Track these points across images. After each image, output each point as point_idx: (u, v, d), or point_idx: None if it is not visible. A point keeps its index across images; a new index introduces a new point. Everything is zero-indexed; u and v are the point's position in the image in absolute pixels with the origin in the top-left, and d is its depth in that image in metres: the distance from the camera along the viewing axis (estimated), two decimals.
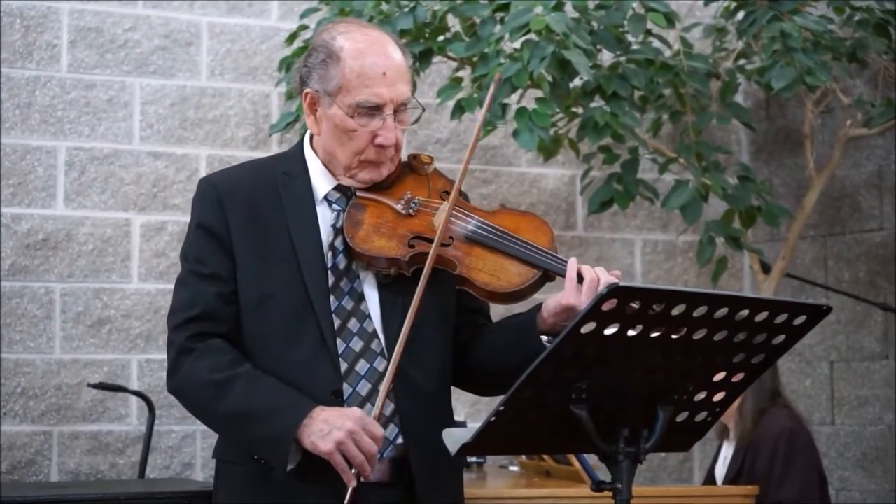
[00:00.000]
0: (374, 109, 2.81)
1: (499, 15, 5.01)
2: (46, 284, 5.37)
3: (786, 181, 6.32)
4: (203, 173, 5.57)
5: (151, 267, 5.50)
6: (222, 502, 2.91)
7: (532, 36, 4.81)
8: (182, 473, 5.50)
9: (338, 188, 2.91)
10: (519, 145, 4.87)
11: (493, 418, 2.34)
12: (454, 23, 5.27)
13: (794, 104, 6.15)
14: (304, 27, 5.36)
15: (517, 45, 4.93)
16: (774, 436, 4.64)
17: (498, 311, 3.02)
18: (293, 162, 2.95)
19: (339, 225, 2.86)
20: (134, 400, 5.38)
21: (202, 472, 5.51)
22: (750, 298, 2.37)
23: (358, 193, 2.90)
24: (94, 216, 5.45)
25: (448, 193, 2.92)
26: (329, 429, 2.64)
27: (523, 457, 4.86)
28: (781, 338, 2.43)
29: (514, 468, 5.07)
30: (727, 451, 4.88)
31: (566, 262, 2.79)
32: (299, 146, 2.98)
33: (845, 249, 6.05)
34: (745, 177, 5.41)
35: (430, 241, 2.82)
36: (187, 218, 5.78)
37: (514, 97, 5.10)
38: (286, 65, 5.32)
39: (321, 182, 2.91)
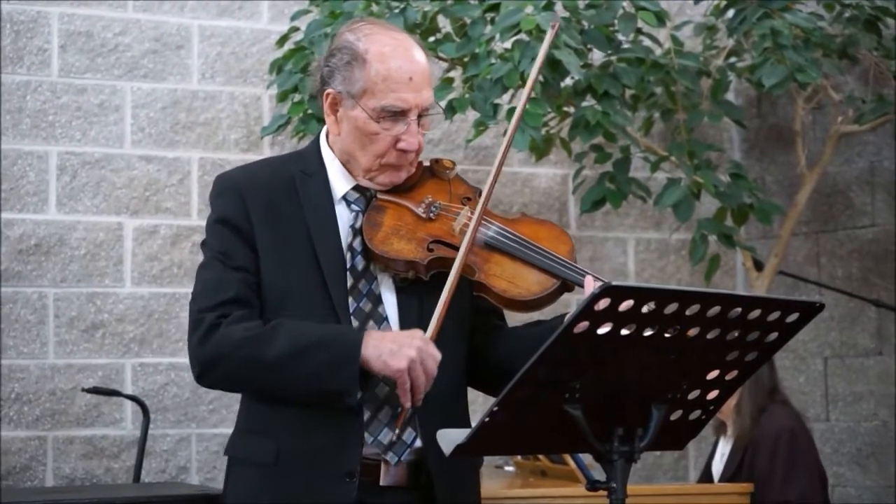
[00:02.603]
0: (399, 114, 2.79)
1: (489, 15, 5.01)
2: (39, 289, 5.36)
3: (778, 178, 6.33)
4: (195, 176, 5.57)
5: (144, 271, 5.50)
6: (232, 500, 2.89)
7: (522, 36, 4.81)
8: (177, 477, 5.49)
9: (356, 188, 2.89)
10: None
11: (486, 419, 2.34)
12: (445, 23, 5.28)
13: (786, 101, 6.15)
14: (294, 29, 5.36)
15: (508, 45, 4.93)
16: (774, 435, 4.64)
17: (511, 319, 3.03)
18: (310, 160, 2.92)
19: (357, 226, 2.84)
20: (128, 404, 5.38)
21: (197, 476, 5.51)
22: (742, 296, 2.38)
23: (378, 195, 2.88)
24: (86, 220, 5.45)
25: (469, 200, 2.91)
26: (398, 347, 2.64)
27: (518, 457, 4.86)
28: (774, 335, 2.43)
29: (509, 468, 5.07)
30: (724, 448, 4.89)
31: (585, 272, 2.78)
32: (315, 144, 2.95)
33: (838, 246, 6.06)
34: (737, 174, 5.41)
35: (450, 245, 2.81)
36: (180, 221, 5.77)
37: (506, 97, 5.10)
38: (277, 67, 5.32)
39: (339, 181, 2.88)
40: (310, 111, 5.15)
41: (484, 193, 2.85)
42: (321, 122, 5.17)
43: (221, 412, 5.52)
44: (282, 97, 5.28)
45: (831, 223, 6.09)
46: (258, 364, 2.72)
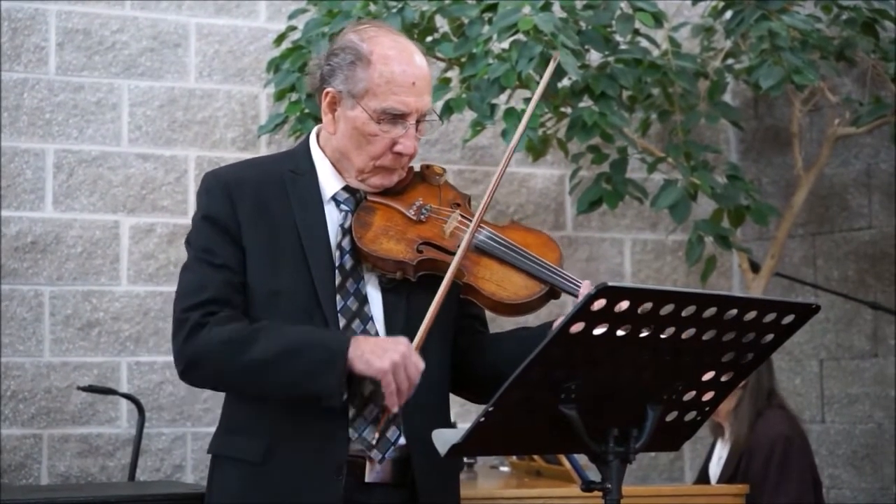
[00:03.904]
0: (399, 117, 2.83)
1: (487, 15, 5.01)
2: (35, 287, 5.36)
3: (774, 180, 6.33)
4: (192, 175, 5.57)
5: (140, 269, 5.50)
6: (216, 499, 2.89)
7: (520, 36, 4.81)
8: (172, 475, 5.49)
9: (346, 189, 2.91)
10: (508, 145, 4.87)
11: (482, 419, 2.34)
12: (442, 23, 5.27)
13: (783, 103, 6.16)
14: (292, 28, 5.36)
15: (505, 45, 4.93)
16: (770, 441, 4.64)
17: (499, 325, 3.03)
18: (300, 160, 2.94)
19: (346, 225, 2.86)
20: (124, 402, 5.38)
21: (192, 474, 5.51)
22: (738, 298, 2.38)
23: (368, 197, 2.91)
24: (82, 218, 5.44)
25: (458, 205, 2.95)
26: (383, 350, 2.66)
27: (514, 457, 4.86)
28: (770, 337, 2.44)
29: (504, 468, 5.07)
30: (722, 451, 4.88)
31: (574, 280, 2.80)
32: (305, 144, 2.97)
33: (834, 248, 6.06)
34: (734, 176, 5.41)
35: (440, 248, 2.84)
36: (176, 220, 5.77)
37: (503, 97, 5.10)
38: (274, 66, 5.32)
39: (329, 181, 2.91)
40: (307, 110, 5.14)
41: (485, 198, 2.87)
42: (318, 121, 5.18)
43: (217, 411, 5.46)
44: (279, 96, 5.28)
45: (828, 225, 6.09)
46: (242, 366, 2.74)
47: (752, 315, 2.37)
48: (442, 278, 2.78)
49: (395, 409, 2.68)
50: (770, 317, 2.39)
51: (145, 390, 5.42)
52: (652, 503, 4.14)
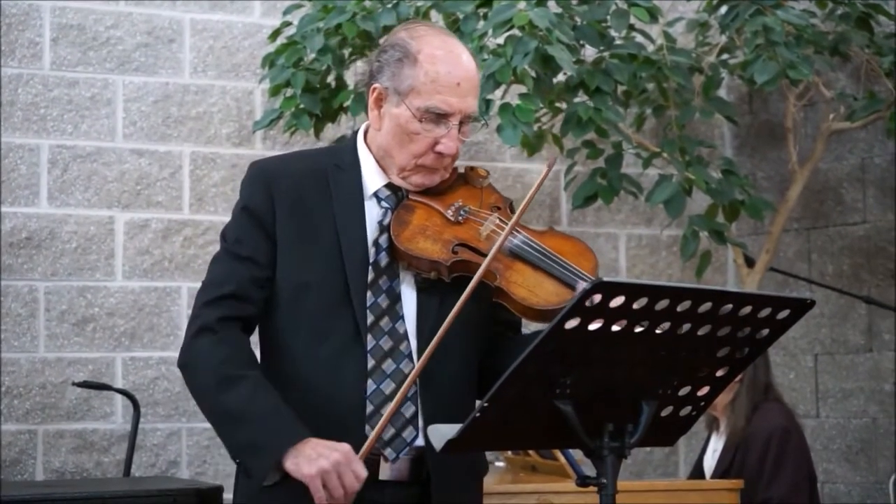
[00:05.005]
0: (442, 117, 2.82)
1: (482, 11, 5.01)
2: (30, 283, 5.35)
3: (769, 175, 6.34)
4: (187, 171, 5.57)
5: (135, 265, 5.49)
6: (243, 488, 2.89)
7: (515, 31, 4.81)
8: (167, 471, 5.49)
9: (389, 186, 2.91)
10: (503, 141, 4.88)
11: (477, 415, 2.34)
12: (437, 18, 5.27)
13: (777, 98, 6.16)
14: (286, 23, 5.36)
15: (500, 40, 4.93)
16: (767, 433, 4.65)
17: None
18: (345, 155, 2.94)
19: (385, 222, 2.86)
20: (119, 398, 5.37)
21: (188, 470, 5.51)
22: (733, 293, 2.37)
23: (410, 195, 2.90)
24: (77, 214, 5.44)
25: (499, 209, 2.93)
26: (317, 455, 2.63)
27: (509, 452, 4.87)
28: (765, 332, 2.44)
29: (500, 464, 5.08)
30: (717, 444, 4.90)
31: None
32: (353, 140, 2.97)
33: (829, 243, 6.07)
34: (729, 171, 5.42)
35: (475, 250, 2.82)
36: (171, 215, 5.78)
37: (498, 93, 5.10)
38: (269, 61, 5.32)
39: (372, 178, 2.90)
40: (302, 106, 5.14)
41: (522, 204, 2.85)
42: (313, 117, 5.20)
43: None
44: (274, 91, 5.28)
45: (822, 220, 6.10)
46: (207, 401, 2.79)
47: (747, 310, 2.37)
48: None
49: None
50: (765, 312, 2.39)
51: (140, 386, 5.42)
52: (647, 498, 4.15)
